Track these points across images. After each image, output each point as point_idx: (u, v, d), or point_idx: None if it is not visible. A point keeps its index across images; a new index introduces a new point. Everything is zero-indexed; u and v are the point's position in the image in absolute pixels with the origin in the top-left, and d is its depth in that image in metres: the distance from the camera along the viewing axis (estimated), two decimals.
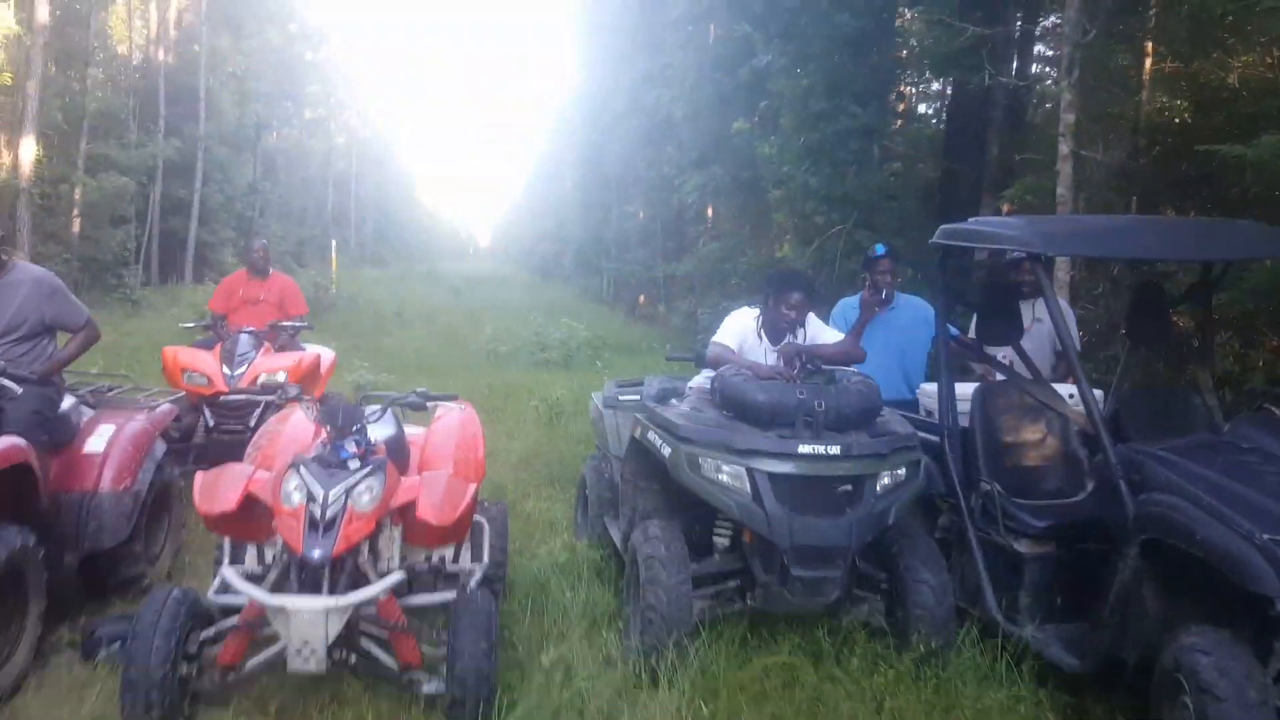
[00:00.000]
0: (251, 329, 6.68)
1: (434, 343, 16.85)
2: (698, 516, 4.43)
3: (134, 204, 22.71)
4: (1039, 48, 10.25)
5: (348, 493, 3.49)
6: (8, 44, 16.14)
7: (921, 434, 4.51)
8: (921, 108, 12.49)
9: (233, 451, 5.93)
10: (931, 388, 5.33)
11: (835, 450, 3.92)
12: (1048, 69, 8.81)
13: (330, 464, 3.59)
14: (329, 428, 3.71)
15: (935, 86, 12.98)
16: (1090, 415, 3.80)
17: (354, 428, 3.71)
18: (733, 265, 14.24)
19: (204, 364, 6.20)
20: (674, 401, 5.12)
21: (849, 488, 3.95)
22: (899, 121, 10.50)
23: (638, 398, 5.36)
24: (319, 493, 3.47)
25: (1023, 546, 4.26)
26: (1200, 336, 4.72)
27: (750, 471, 3.88)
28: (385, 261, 55.38)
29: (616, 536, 4.87)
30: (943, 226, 4.37)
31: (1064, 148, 7.13)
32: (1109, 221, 4.73)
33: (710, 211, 17.83)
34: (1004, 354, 4.95)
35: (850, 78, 9.51)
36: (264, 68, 31.43)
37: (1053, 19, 10.00)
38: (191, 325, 7.39)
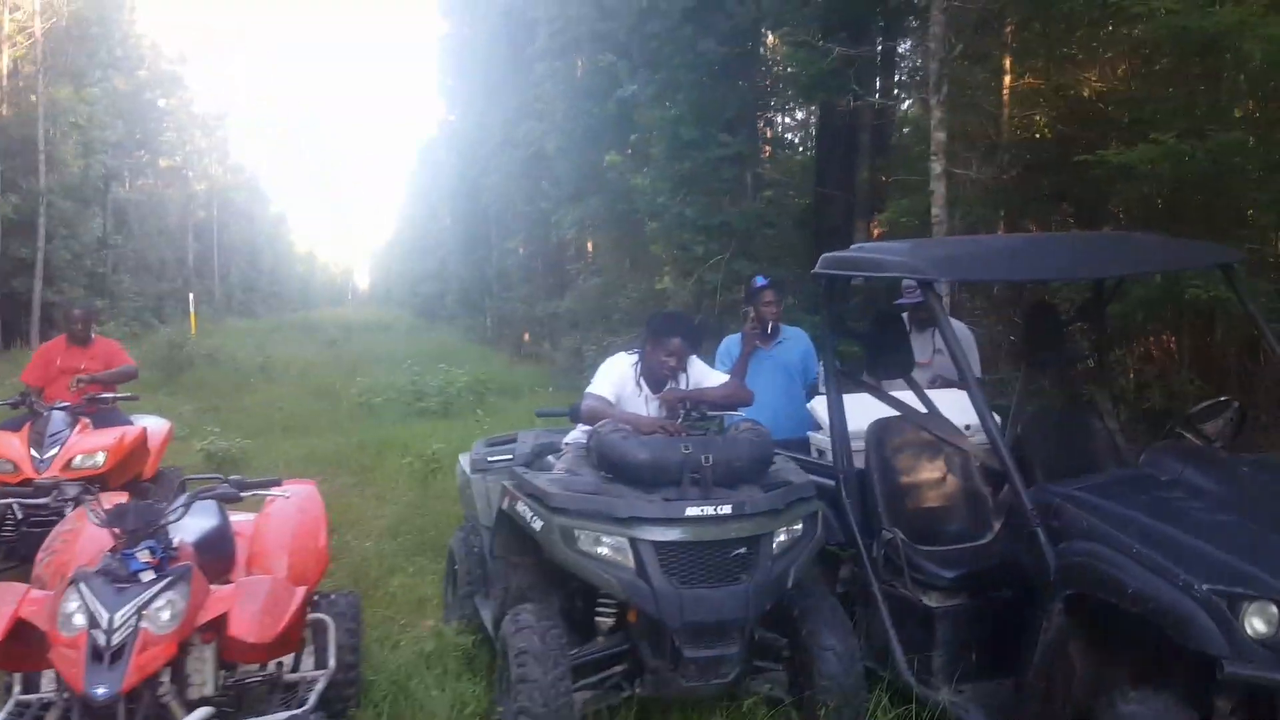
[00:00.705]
0: (65, 404, 5.86)
1: (303, 398, 15.83)
2: (578, 591, 3.93)
3: None
4: (903, 67, 10.24)
5: (139, 613, 2.85)
6: None
7: (816, 479, 4.14)
8: (790, 135, 12.44)
9: None
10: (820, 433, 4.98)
11: (726, 509, 3.49)
12: (911, 91, 8.76)
13: (119, 578, 2.94)
14: (117, 532, 3.06)
15: (800, 115, 13.01)
16: (998, 453, 3.47)
17: (150, 530, 3.07)
18: (614, 300, 13.86)
19: (9, 448, 5.36)
20: (551, 459, 4.62)
21: (743, 550, 3.52)
22: (768, 149, 10.33)
23: (510, 457, 4.83)
24: (103, 615, 2.82)
25: (932, 600, 3.90)
26: (1097, 355, 4.50)
27: (633, 542, 3.41)
28: (255, 312, 53.15)
29: (488, 618, 4.30)
30: (825, 255, 4.02)
31: (936, 166, 6.99)
32: (999, 242, 4.49)
33: (590, 246, 17.46)
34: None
35: (719, 105, 9.28)
36: (111, 116, 29.63)
37: (911, 41, 10.02)
38: None
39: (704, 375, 4.31)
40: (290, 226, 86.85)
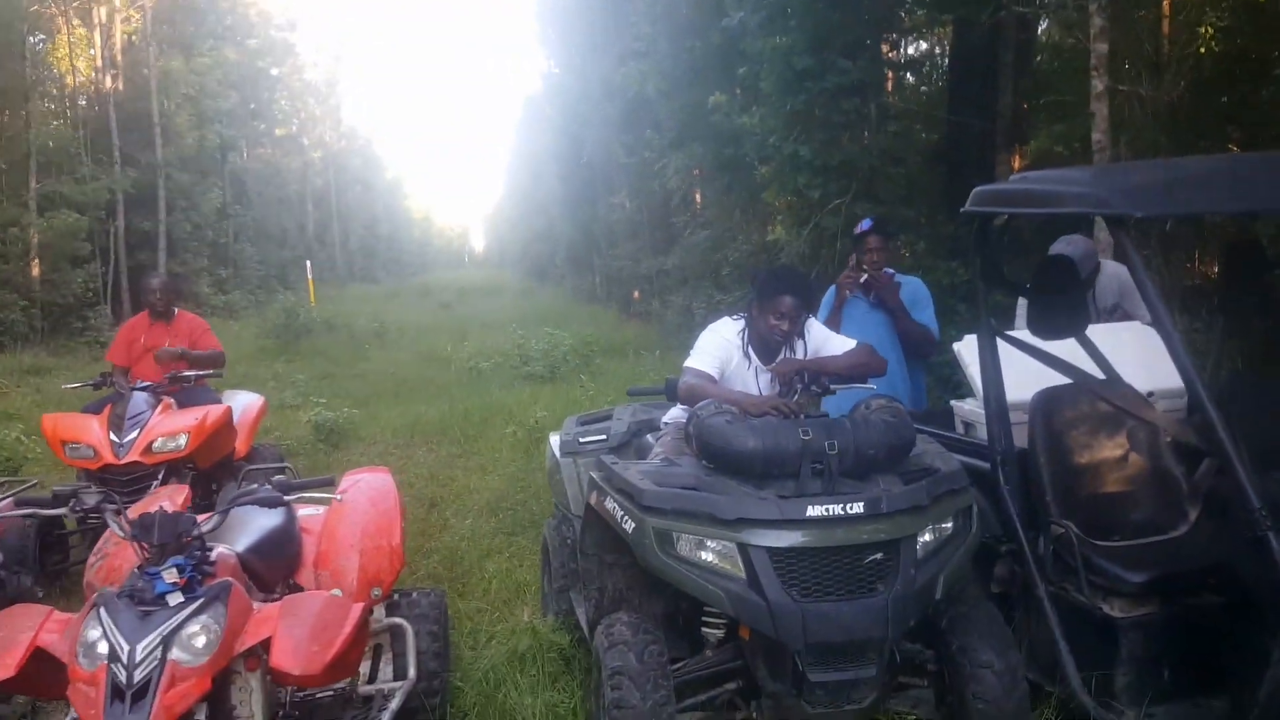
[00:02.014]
0: (147, 384, 5.62)
1: (415, 364, 15.79)
2: (683, 594, 3.38)
3: (95, 241, 21.70)
4: None
5: (165, 643, 2.43)
6: None
7: (965, 459, 3.45)
8: (918, 61, 11.31)
9: None
10: (968, 400, 4.25)
11: (857, 507, 2.86)
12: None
13: (144, 601, 2.53)
14: (143, 546, 2.65)
15: (924, 45, 11.85)
16: (1212, 429, 2.69)
17: (181, 543, 2.64)
18: (724, 254, 13.15)
19: (88, 433, 5.14)
20: (650, 439, 4.07)
21: (880, 556, 2.88)
22: (892, 76, 9.36)
23: (603, 438, 4.29)
24: (123, 647, 2.41)
25: (1114, 608, 3.19)
26: None
27: (743, 548, 2.82)
28: (375, 277, 54.40)
29: (583, 618, 3.80)
30: (978, 189, 3.27)
31: (1098, 84, 6.03)
32: (1209, 165, 3.61)
33: (698, 196, 16.70)
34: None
35: (837, 29, 8.37)
36: (224, 86, 30.28)
37: None
38: (77, 386, 6.32)
39: (824, 340, 3.66)
40: (406, 191, 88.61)
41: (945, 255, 8.19)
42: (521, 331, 13.87)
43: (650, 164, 15.99)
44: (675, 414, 3.79)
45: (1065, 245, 4.32)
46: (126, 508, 5.02)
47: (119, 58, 23.79)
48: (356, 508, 3.60)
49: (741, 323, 3.64)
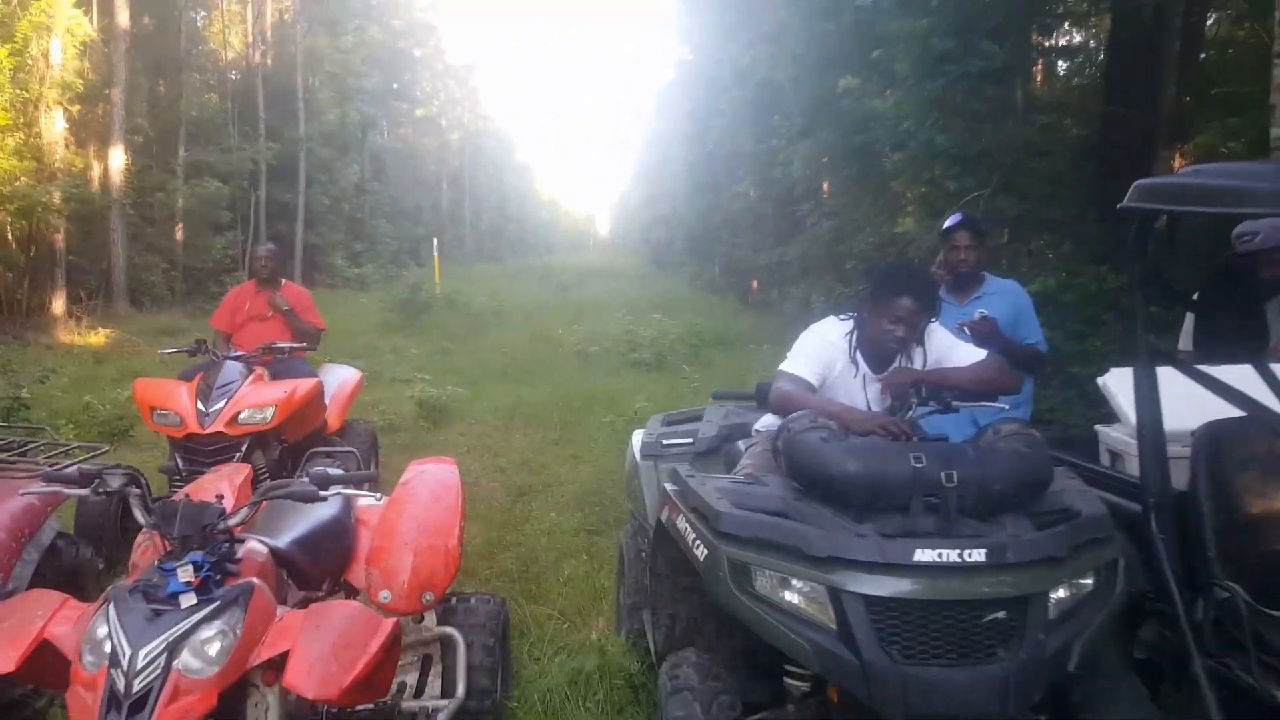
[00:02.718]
0: (240, 354, 5.54)
1: (527, 344, 15.72)
2: None
3: (237, 209, 22.61)
4: None
5: (171, 649, 2.18)
6: (91, 51, 15.86)
7: (1109, 498, 2.91)
8: (1069, 51, 10.38)
9: None
10: (1115, 426, 3.66)
11: (978, 555, 2.37)
12: None
13: (157, 599, 2.29)
14: (163, 538, 2.40)
15: (1078, 37, 10.88)
16: None
17: (206, 537, 2.39)
18: (848, 245, 12.50)
19: (176, 400, 5.06)
20: (740, 445, 3.65)
21: (1002, 614, 2.39)
22: (1041, 64, 8.55)
23: (689, 442, 3.90)
24: (125, 651, 2.17)
25: None
26: None
27: (834, 593, 2.37)
28: (501, 257, 55.31)
29: (653, 643, 3.43)
30: (1139, 183, 2.70)
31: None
32: None
33: (825, 186, 16.05)
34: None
35: (980, 11, 7.69)
36: (368, 65, 31.14)
37: None
38: (173, 351, 6.29)
39: (947, 349, 3.17)
40: (536, 174, 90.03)
41: (1093, 259, 7.42)
42: (631, 318, 13.56)
43: (776, 152, 15.44)
44: (768, 421, 3.36)
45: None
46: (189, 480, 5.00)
47: (269, 34, 24.67)
48: (417, 501, 3.31)
49: (850, 324, 3.18)
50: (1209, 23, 8.91)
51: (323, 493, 2.57)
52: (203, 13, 24.68)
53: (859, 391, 3.12)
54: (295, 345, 5.77)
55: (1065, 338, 7.21)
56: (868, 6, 8.23)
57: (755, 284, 21.44)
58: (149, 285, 18.28)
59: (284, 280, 6.35)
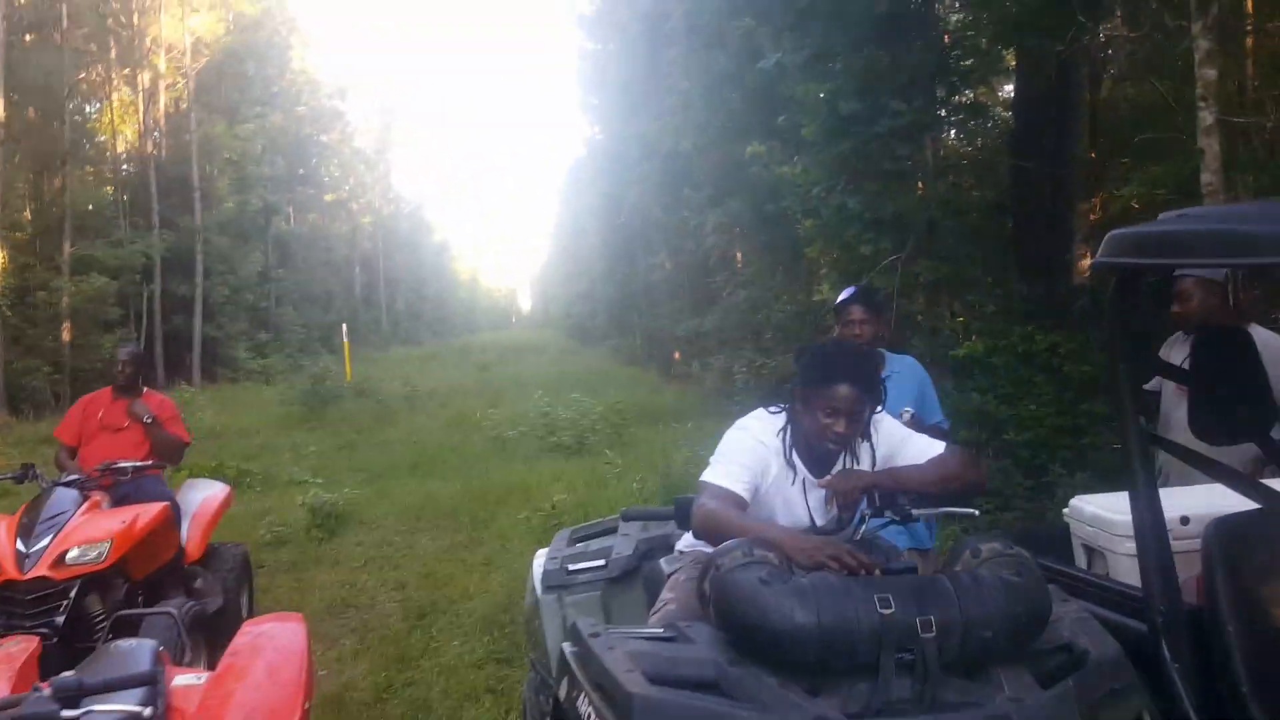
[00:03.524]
0: (73, 477, 4.74)
1: (440, 432, 14.96)
2: None
3: (130, 305, 21.45)
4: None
5: None
6: None
7: (1101, 613, 2.38)
8: (978, 101, 10.28)
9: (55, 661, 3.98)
10: (1097, 506, 3.16)
11: None
12: (1155, 17, 6.60)
13: None
14: None
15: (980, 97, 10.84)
16: None
17: None
18: (766, 315, 12.17)
19: None
20: (664, 565, 3.04)
21: None
22: (953, 119, 8.38)
23: (602, 564, 3.29)
24: None
25: None
26: None
27: None
28: (419, 339, 54.31)
29: None
30: (1115, 234, 2.24)
31: (1207, 116, 4.98)
32: None
33: (739, 255, 15.84)
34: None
35: (887, 70, 7.47)
36: (270, 152, 30.40)
37: None
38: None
39: (899, 443, 2.65)
40: (454, 254, 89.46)
41: (1018, 318, 7.12)
42: (548, 399, 12.94)
43: (687, 222, 15.20)
44: (692, 542, 2.79)
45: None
46: (23, 629, 4.17)
47: (162, 123, 23.83)
48: (248, 680, 2.61)
49: (783, 417, 2.63)
50: (1105, 78, 8.91)
51: (67, 713, 1.87)
52: (95, 103, 23.75)
53: (798, 500, 2.57)
54: (142, 464, 4.98)
55: (997, 402, 6.87)
56: (770, 70, 7.96)
57: (677, 355, 21.09)
58: (30, 391, 17.01)
59: (145, 388, 5.56)
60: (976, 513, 2.58)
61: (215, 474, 10.79)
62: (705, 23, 10.90)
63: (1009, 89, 10.64)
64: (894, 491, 2.52)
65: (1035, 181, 7.67)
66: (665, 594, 2.71)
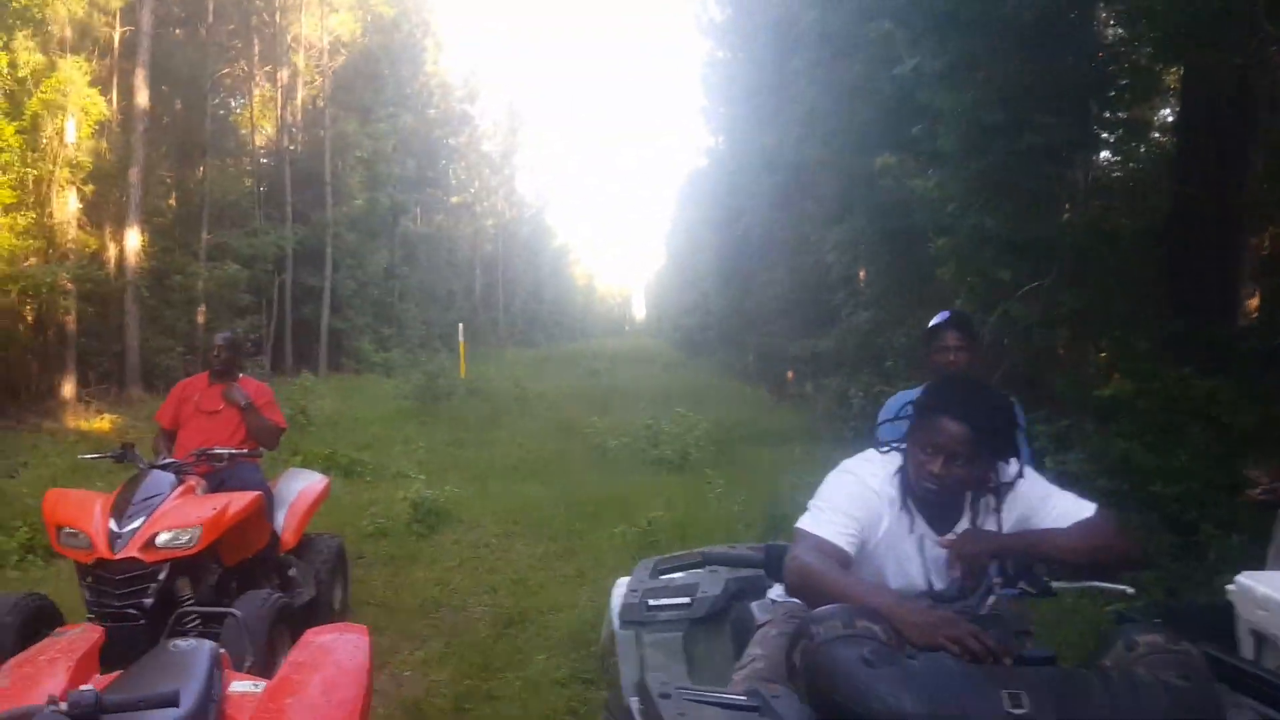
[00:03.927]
0: (170, 460, 4.73)
1: (546, 434, 14.90)
2: None
3: (263, 293, 22.31)
4: None
5: None
6: (110, 131, 15.68)
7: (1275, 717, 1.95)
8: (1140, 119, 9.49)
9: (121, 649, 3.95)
10: (1270, 587, 2.69)
11: None
12: None
13: None
14: None
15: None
16: None
17: None
18: (888, 339, 11.62)
19: (86, 518, 4.21)
20: (754, 608, 2.74)
21: None
22: (1108, 136, 7.73)
23: (687, 602, 3.00)
24: None
25: None
26: None
27: None
28: (534, 342, 55.06)
29: None
30: None
31: None
32: None
33: (862, 275, 15.29)
34: None
35: (1035, 80, 6.93)
36: (401, 153, 31.27)
37: None
38: (94, 456, 5.47)
39: (1038, 501, 2.28)
40: (573, 258, 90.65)
41: (1173, 359, 6.47)
42: (652, 411, 12.69)
43: (807, 237, 14.73)
44: (783, 593, 2.48)
45: None
46: (112, 610, 4.14)
47: (299, 119, 24.76)
48: (304, 694, 2.43)
49: (896, 460, 2.30)
50: None
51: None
52: (238, 98, 24.88)
53: (913, 559, 2.23)
54: (237, 451, 4.94)
55: (1144, 449, 6.23)
56: (907, 76, 7.52)
57: (790, 375, 20.56)
58: (164, 369, 17.80)
59: (242, 374, 5.56)
60: (1131, 590, 2.19)
61: (328, 462, 11.06)
62: (837, 29, 10.47)
63: (1165, 113, 9.90)
64: (1027, 557, 2.16)
65: (1199, 210, 6.98)
66: (753, 648, 2.40)
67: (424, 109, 35.95)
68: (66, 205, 14.90)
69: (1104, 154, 8.08)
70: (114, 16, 16.39)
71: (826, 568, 2.03)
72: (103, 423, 15.03)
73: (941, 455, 2.11)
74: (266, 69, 24.08)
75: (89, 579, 4.19)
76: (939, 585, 2.22)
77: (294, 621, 4.45)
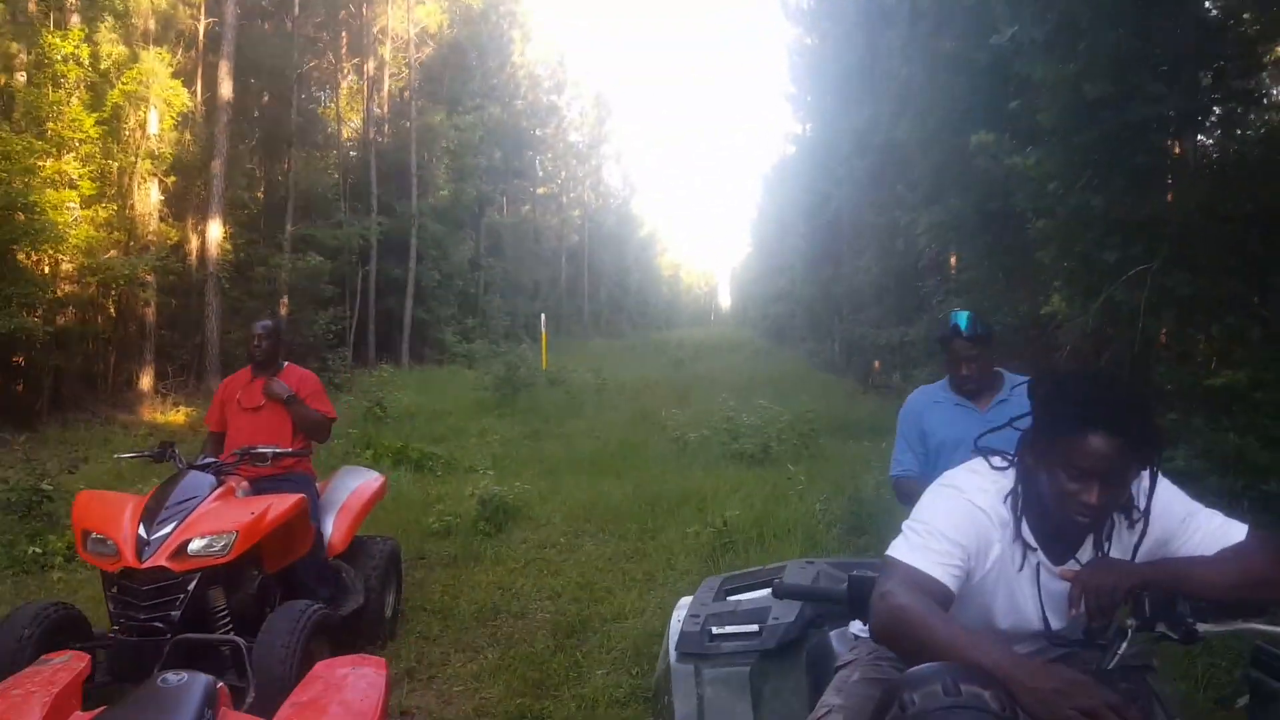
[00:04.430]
0: (211, 461, 4.54)
1: (624, 426, 14.64)
2: None
3: (346, 284, 22.60)
4: None
5: None
6: (194, 125, 15.96)
7: None
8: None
9: (143, 664, 3.79)
10: None
11: None
12: None
13: None
14: None
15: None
16: None
17: None
18: None
19: (115, 523, 4.00)
20: (833, 640, 2.37)
21: None
22: (1225, 107, 6.98)
23: (755, 630, 2.61)
24: None
25: None
26: None
27: None
28: (620, 332, 55.06)
29: None
30: None
31: None
32: None
33: (954, 260, 14.53)
34: None
35: (1144, 48, 6.27)
36: (488, 144, 31.38)
37: None
38: (131, 456, 5.30)
39: (1181, 522, 1.87)
40: (659, 248, 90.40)
41: None
42: (733, 403, 12.26)
43: (898, 222, 14.07)
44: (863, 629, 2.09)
45: None
46: (137, 623, 3.94)
47: (385, 111, 25.00)
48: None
49: (1010, 476, 1.88)
50: None
51: None
52: (325, 90, 25.25)
53: (1027, 593, 1.83)
54: (281, 450, 4.73)
55: (1260, 445, 5.61)
56: (1005, 45, 6.91)
57: (877, 365, 19.87)
58: (243, 360, 18.06)
59: (285, 364, 5.24)
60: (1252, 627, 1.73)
61: (400, 455, 11.00)
62: (929, 3, 9.83)
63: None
64: (1171, 594, 1.73)
65: None
66: (830, 696, 2.02)
67: (511, 100, 36.04)
68: (148, 197, 15.21)
69: (1218, 130, 7.32)
70: (199, 9, 16.69)
71: (925, 611, 1.62)
72: (178, 415, 15.28)
73: (1095, 481, 1.69)
74: (355, 62, 24.37)
75: (114, 589, 3.97)
76: (1057, 625, 1.83)
77: (334, 634, 4.23)
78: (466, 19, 30.40)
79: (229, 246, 17.35)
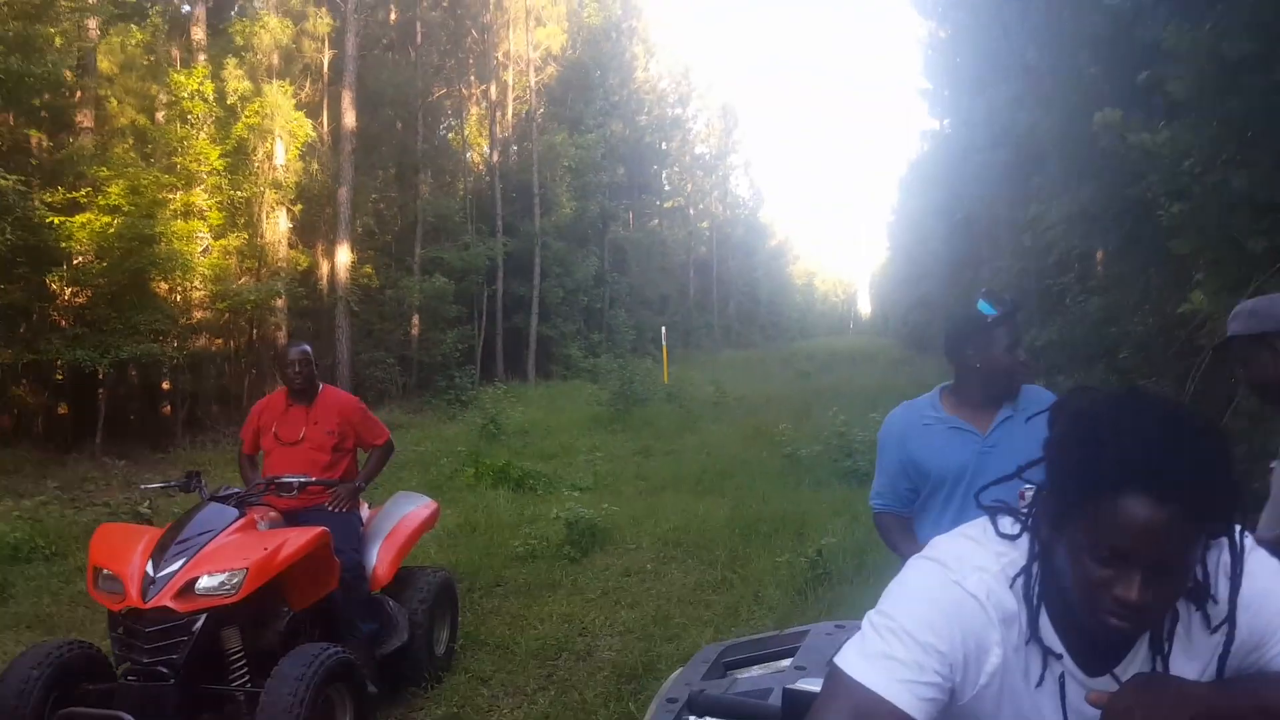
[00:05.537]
0: (234, 492, 4.32)
1: (738, 441, 14.09)
2: None
3: (475, 304, 22.96)
4: None
5: None
6: (321, 154, 16.45)
7: None
8: None
9: (146, 713, 3.57)
10: None
11: None
12: None
13: None
14: None
15: None
16: None
17: None
18: (1122, 327, 9.91)
19: (124, 559, 3.78)
20: None
21: None
22: None
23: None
24: None
25: None
26: None
27: None
28: (751, 344, 54.24)
29: None
30: None
31: None
32: None
33: (1100, 256, 13.32)
34: None
35: None
36: (610, 160, 31.45)
37: None
38: (158, 487, 5.12)
39: (1274, 613, 1.23)
40: (791, 257, 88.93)
41: None
42: (843, 416, 11.52)
43: (1030, 216, 13.03)
44: None
45: None
46: (140, 667, 3.73)
47: (510, 133, 25.36)
48: None
49: (1023, 547, 1.30)
50: None
51: None
52: (451, 117, 25.83)
53: (1045, 716, 1.26)
54: (306, 479, 4.48)
55: None
56: (1125, 11, 6.08)
57: None
58: (374, 380, 18.54)
59: (322, 386, 4.96)
60: None
61: (501, 473, 10.83)
62: None
63: None
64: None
65: None
66: None
67: (634, 116, 36.04)
68: (277, 225, 15.77)
69: None
70: (322, 42, 17.26)
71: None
72: None
73: (1137, 570, 1.11)
74: (482, 89, 24.81)
75: (119, 630, 3.75)
76: None
77: (358, 679, 3.92)
78: (589, 38, 30.59)
79: (369, 270, 17.87)
